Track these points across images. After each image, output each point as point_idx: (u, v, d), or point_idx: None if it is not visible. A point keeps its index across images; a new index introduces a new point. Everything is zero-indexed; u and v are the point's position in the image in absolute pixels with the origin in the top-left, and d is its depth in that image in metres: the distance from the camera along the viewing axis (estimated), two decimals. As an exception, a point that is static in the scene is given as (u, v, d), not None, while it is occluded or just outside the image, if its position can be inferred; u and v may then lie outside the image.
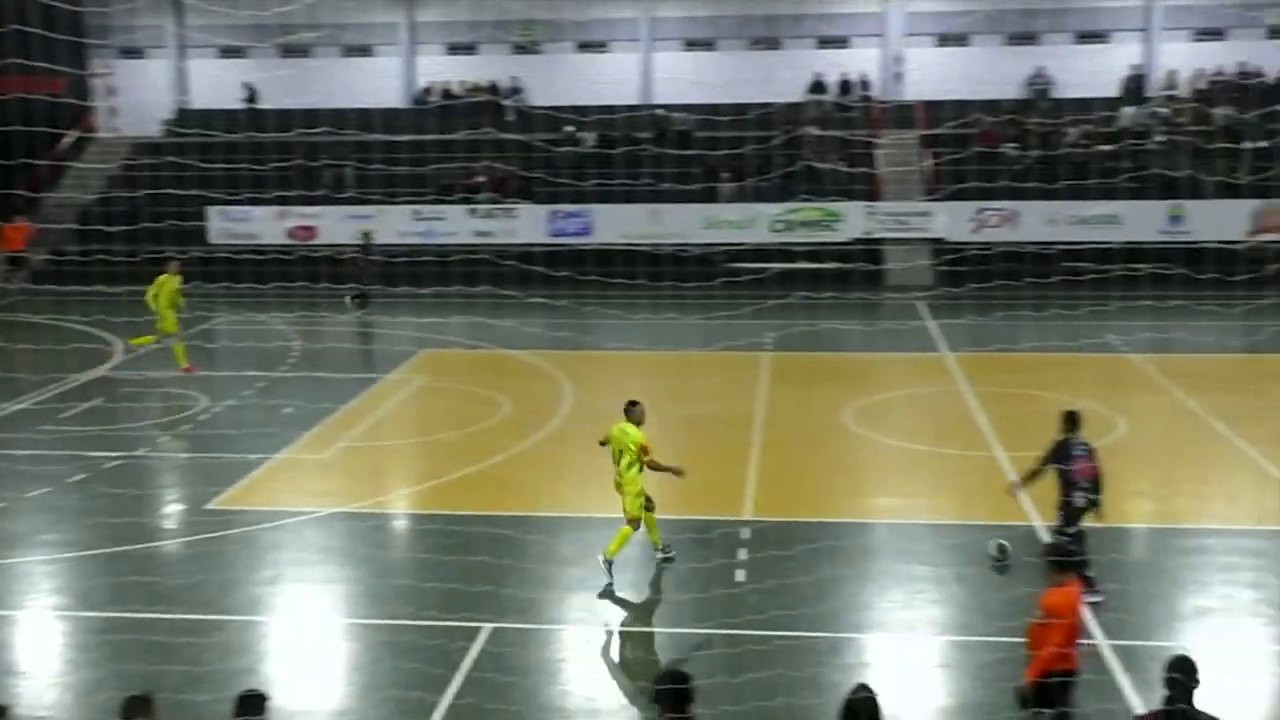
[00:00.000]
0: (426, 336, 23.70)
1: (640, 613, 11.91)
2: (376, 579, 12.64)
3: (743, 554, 13.07)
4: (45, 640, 11.87)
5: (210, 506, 14.94)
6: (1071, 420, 11.86)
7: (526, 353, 23.02)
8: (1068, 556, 8.91)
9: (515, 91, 37.17)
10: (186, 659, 10.54)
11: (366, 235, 28.91)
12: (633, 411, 12.58)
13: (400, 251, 30.58)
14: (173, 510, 15.25)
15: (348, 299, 26.82)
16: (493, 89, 36.93)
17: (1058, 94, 35.52)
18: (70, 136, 34.49)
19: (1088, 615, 11.31)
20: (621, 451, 12.41)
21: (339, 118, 32.04)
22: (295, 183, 31.02)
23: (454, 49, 38.94)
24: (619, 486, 12.51)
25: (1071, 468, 11.61)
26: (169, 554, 13.53)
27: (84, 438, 17.55)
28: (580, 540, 13.55)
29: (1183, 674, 6.75)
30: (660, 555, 12.86)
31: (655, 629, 11.58)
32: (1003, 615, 11.32)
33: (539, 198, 32.27)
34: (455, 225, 32.35)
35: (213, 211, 32.16)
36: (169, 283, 21.10)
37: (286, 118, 32.98)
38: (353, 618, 11.92)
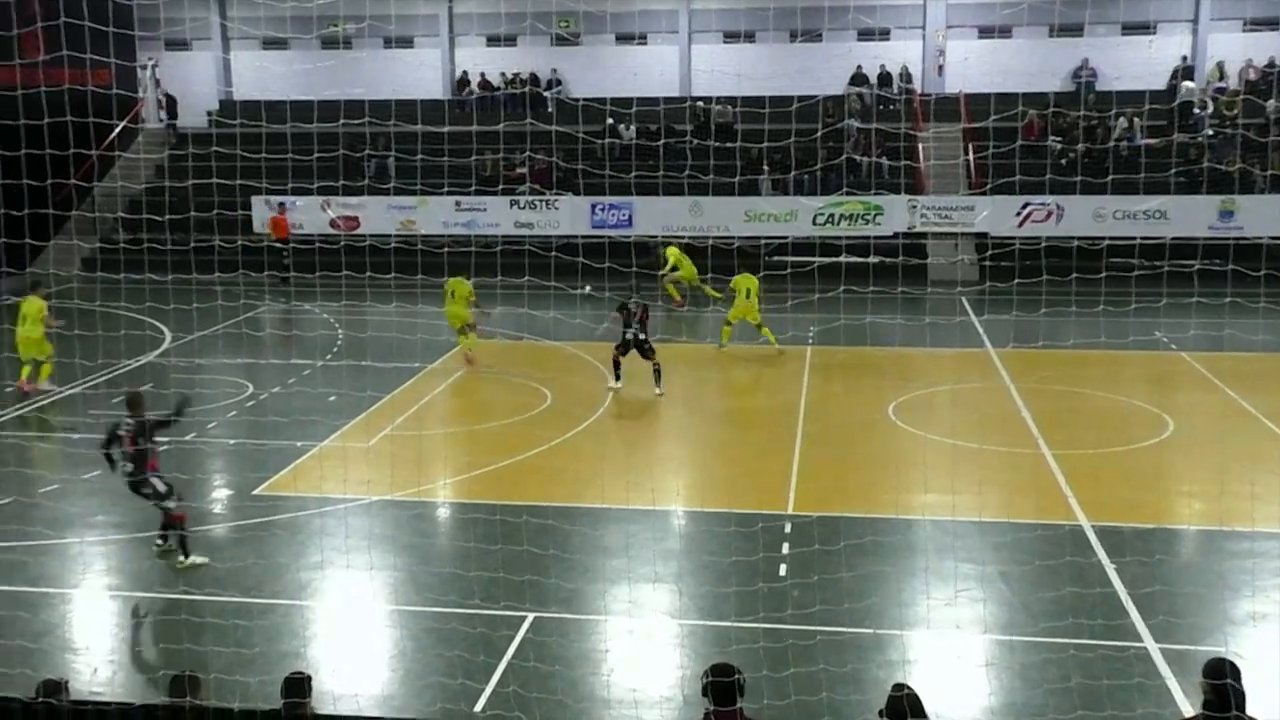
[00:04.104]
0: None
1: (682, 604, 11.92)
2: (421, 566, 12.74)
3: (786, 548, 13.06)
4: (99, 619, 12.07)
5: (257, 492, 15.12)
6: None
7: (570, 344, 23.09)
8: None
9: (555, 84, 37.27)
10: (235, 641, 10.68)
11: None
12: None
13: (443, 242, 30.69)
14: (221, 495, 15.43)
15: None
16: (532, 81, 37.04)
17: (1103, 86, 35.18)
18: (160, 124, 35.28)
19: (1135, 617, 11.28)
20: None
21: (381, 109, 32.20)
22: (339, 173, 31.24)
23: (493, 40, 39.05)
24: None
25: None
26: (218, 538, 13.69)
27: (133, 423, 17.77)
28: (623, 531, 13.61)
29: (1219, 678, 6.69)
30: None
31: (698, 621, 11.59)
32: (1048, 615, 11.28)
33: (580, 190, 32.34)
34: (497, 216, 32.50)
35: (257, 201, 32.45)
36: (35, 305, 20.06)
37: (330, 109, 33.16)
38: (397, 604, 12.02)
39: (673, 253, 27.92)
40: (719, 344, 22.81)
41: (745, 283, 22.25)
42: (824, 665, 10.02)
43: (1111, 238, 27.79)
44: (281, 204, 31.67)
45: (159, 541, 12.84)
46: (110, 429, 12.81)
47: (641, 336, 19.61)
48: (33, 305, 19.76)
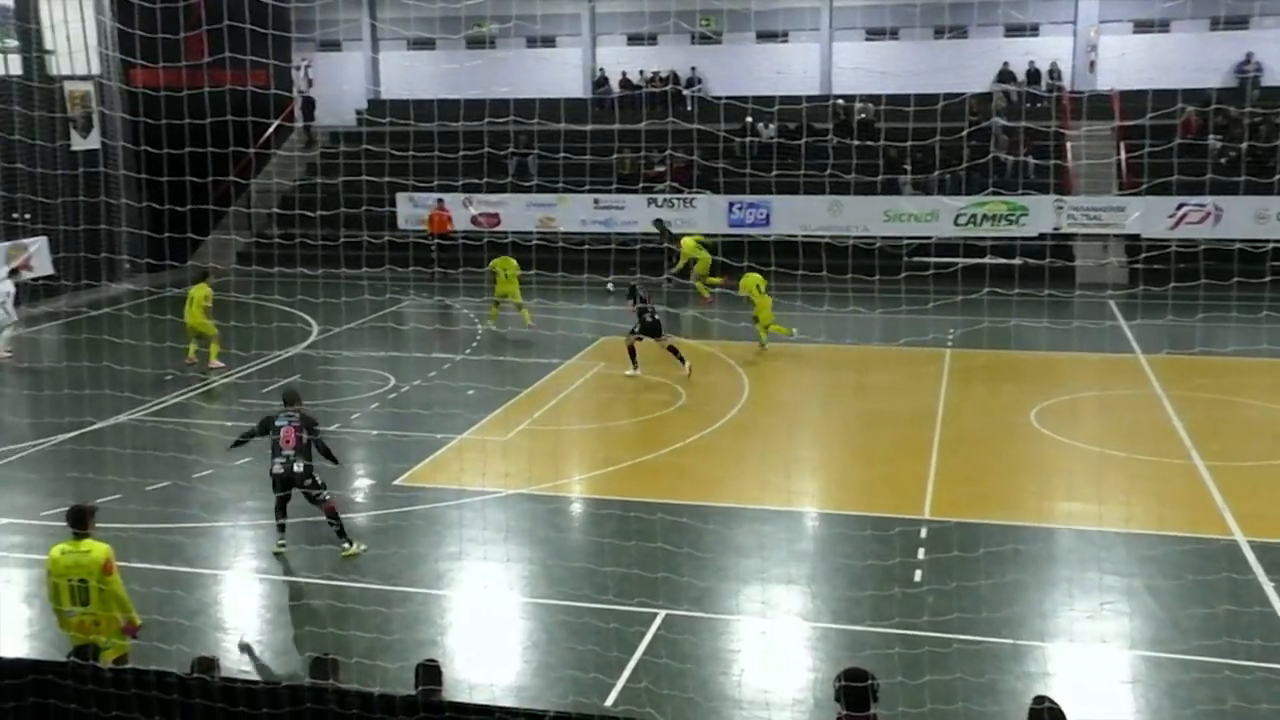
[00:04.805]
0: (606, 324, 24.01)
1: (815, 606, 11.82)
2: (555, 560, 12.90)
3: (921, 553, 12.85)
4: (247, 600, 12.55)
5: (398, 482, 15.52)
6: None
7: (705, 342, 23.07)
8: None
9: (695, 82, 37.30)
10: (374, 627, 10.98)
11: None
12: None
13: (583, 239, 31.00)
14: (363, 484, 15.86)
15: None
16: (672, 79, 37.14)
17: (1270, 82, 33.64)
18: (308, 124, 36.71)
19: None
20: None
21: (524, 107, 32.75)
22: (483, 171, 31.74)
23: (634, 39, 39.27)
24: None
25: None
26: (360, 526, 14.08)
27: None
28: (757, 531, 13.56)
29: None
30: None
31: (831, 625, 11.47)
32: (1200, 633, 10.86)
33: (718, 188, 32.28)
34: (635, 214, 32.64)
35: (401, 198, 33.23)
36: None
37: (473, 108, 33.81)
38: (531, 597, 12.20)
39: (689, 244, 28.15)
40: (761, 345, 22.58)
41: (754, 280, 22.39)
42: (960, 674, 9.82)
43: (1276, 240, 26.58)
44: (440, 200, 32.27)
45: (281, 544, 13.22)
46: (264, 421, 13.24)
47: (657, 317, 20.72)
48: (198, 291, 21.22)
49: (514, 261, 24.28)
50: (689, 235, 29.09)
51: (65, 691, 7.15)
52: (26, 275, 25.84)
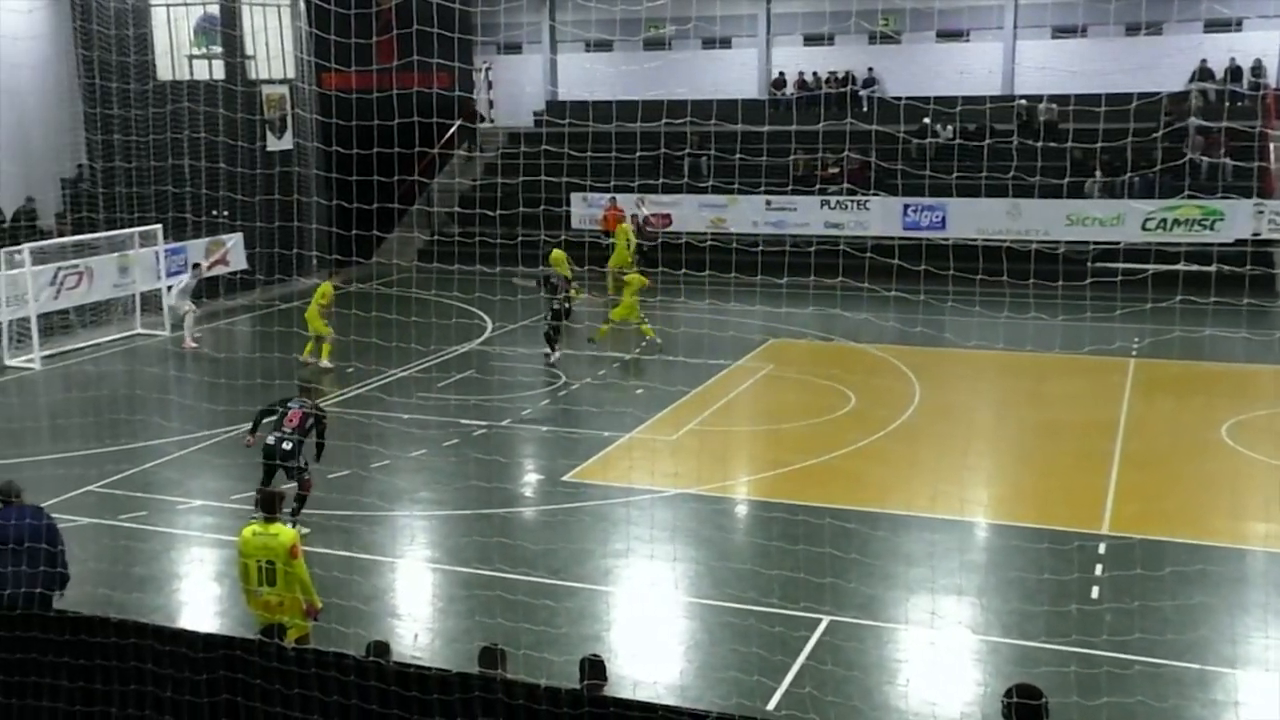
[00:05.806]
0: (778, 326, 23.88)
1: (986, 619, 11.50)
2: (720, 561, 12.89)
3: (1099, 569, 12.37)
4: (419, 589, 12.93)
5: (566, 478, 15.75)
6: None
7: (877, 347, 22.71)
8: None
9: (871, 82, 36.75)
10: (541, 620, 11.17)
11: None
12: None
13: (755, 240, 30.85)
14: (533, 479, 16.17)
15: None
16: (849, 79, 36.68)
17: None
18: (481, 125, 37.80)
19: None
20: None
21: (700, 108, 32.84)
22: (658, 172, 31.93)
23: (810, 40, 38.92)
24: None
25: None
26: (529, 520, 14.36)
27: (458, 406, 18.91)
28: (926, 540, 13.28)
29: None
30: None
31: (1002, 639, 11.14)
32: None
33: (899, 189, 31.72)
34: (806, 216, 32.36)
35: (576, 198, 33.71)
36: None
37: (651, 108, 34.03)
38: (696, 597, 12.21)
39: (623, 231, 28.75)
40: (591, 339, 23.04)
41: (641, 281, 23.03)
42: (1141, 698, 9.42)
43: None
44: (613, 198, 32.60)
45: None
46: (280, 400, 13.71)
47: (568, 306, 22.14)
48: (320, 288, 21.85)
49: (564, 255, 25.73)
50: (625, 225, 29.60)
51: (252, 667, 7.50)
52: (222, 270, 27.24)
